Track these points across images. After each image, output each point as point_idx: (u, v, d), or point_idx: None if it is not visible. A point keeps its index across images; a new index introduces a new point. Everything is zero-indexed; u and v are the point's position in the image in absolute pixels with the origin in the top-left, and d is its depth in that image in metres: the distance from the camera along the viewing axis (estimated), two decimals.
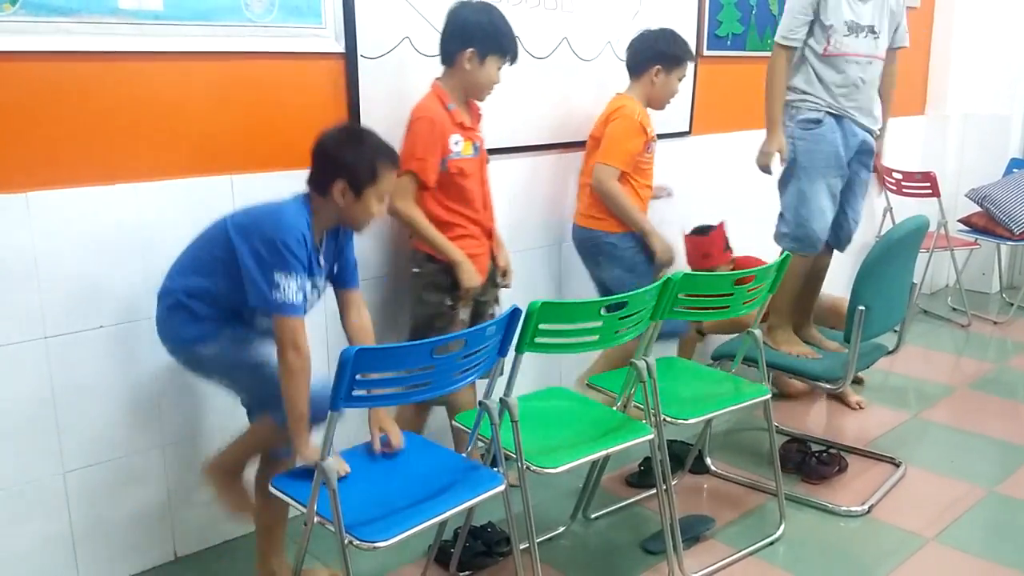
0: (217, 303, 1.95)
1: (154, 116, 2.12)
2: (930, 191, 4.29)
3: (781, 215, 2.94)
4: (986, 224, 4.52)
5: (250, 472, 2.11)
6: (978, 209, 4.56)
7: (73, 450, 2.12)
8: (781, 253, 2.81)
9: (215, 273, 1.93)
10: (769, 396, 2.50)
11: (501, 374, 1.92)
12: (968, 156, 4.88)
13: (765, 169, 2.92)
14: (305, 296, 1.90)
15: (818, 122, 2.81)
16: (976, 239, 4.57)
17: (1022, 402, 3.58)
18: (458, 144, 2.45)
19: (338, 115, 2.43)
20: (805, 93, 2.83)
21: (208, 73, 2.19)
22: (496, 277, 2.67)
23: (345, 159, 1.95)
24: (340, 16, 2.37)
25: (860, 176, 2.98)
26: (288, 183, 2.32)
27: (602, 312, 2.03)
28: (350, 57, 2.41)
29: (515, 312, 1.84)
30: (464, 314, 2.54)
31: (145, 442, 2.23)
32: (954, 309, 4.72)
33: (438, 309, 2.50)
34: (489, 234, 2.63)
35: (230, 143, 2.25)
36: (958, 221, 4.61)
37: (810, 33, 2.79)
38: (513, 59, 2.49)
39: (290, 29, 2.28)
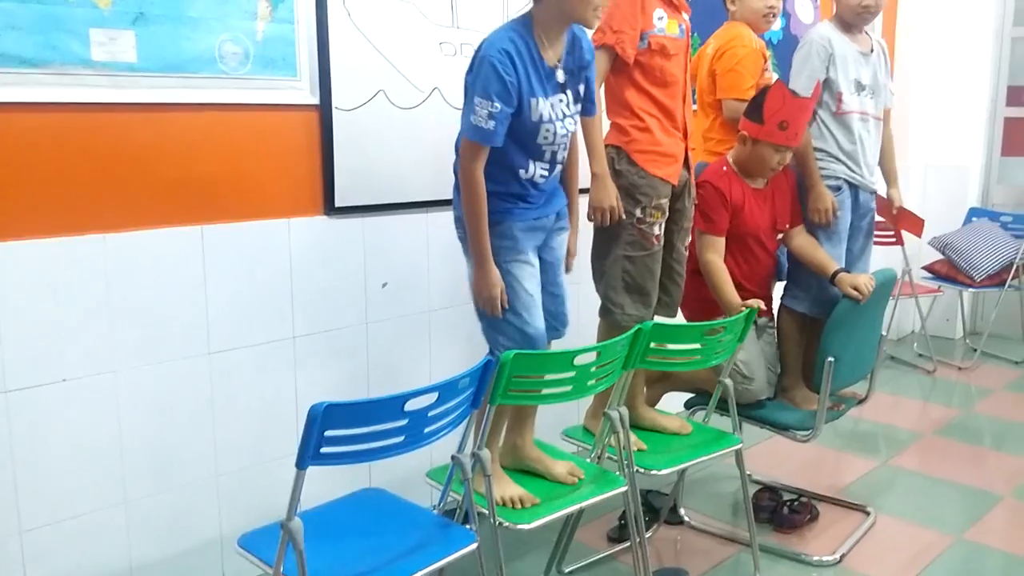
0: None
1: (124, 166, 2.11)
2: (895, 240, 4.38)
3: (796, 280, 2.87)
4: (948, 271, 4.62)
5: None
6: (941, 257, 4.66)
7: (32, 509, 2.05)
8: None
9: None
10: (741, 445, 2.51)
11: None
12: (930, 205, 4.99)
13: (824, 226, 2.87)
14: (500, 124, 1.99)
15: (838, 189, 2.85)
16: (939, 286, 4.66)
17: (987, 448, 3.63)
18: (662, 20, 2.31)
19: (311, 166, 2.43)
20: (825, 155, 2.84)
21: (181, 124, 2.18)
22: (690, 184, 2.53)
23: None
24: (315, 69, 2.38)
25: (859, 242, 3.01)
26: (260, 233, 2.34)
27: (575, 363, 2.03)
28: (324, 109, 2.42)
29: (488, 363, 1.83)
30: (659, 228, 2.42)
31: (108, 499, 2.17)
32: (920, 355, 4.80)
33: (627, 221, 2.37)
34: (685, 132, 2.46)
35: (201, 193, 2.24)
36: (922, 268, 4.70)
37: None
38: None
39: (265, 81, 2.29)
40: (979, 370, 4.61)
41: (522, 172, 2.12)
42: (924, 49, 4.87)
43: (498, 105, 1.97)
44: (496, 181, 2.09)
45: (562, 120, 2.13)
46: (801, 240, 2.81)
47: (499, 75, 1.97)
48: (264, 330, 2.38)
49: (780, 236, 2.80)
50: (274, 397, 2.43)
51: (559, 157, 2.18)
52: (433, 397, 1.69)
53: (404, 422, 1.65)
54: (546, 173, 2.16)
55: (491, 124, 1.97)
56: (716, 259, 2.62)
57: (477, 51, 2.05)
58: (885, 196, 3.27)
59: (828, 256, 2.75)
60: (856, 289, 2.57)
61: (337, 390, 2.53)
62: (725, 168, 2.67)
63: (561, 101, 2.12)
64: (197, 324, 2.25)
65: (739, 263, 2.70)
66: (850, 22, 2.85)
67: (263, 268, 2.36)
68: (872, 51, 2.90)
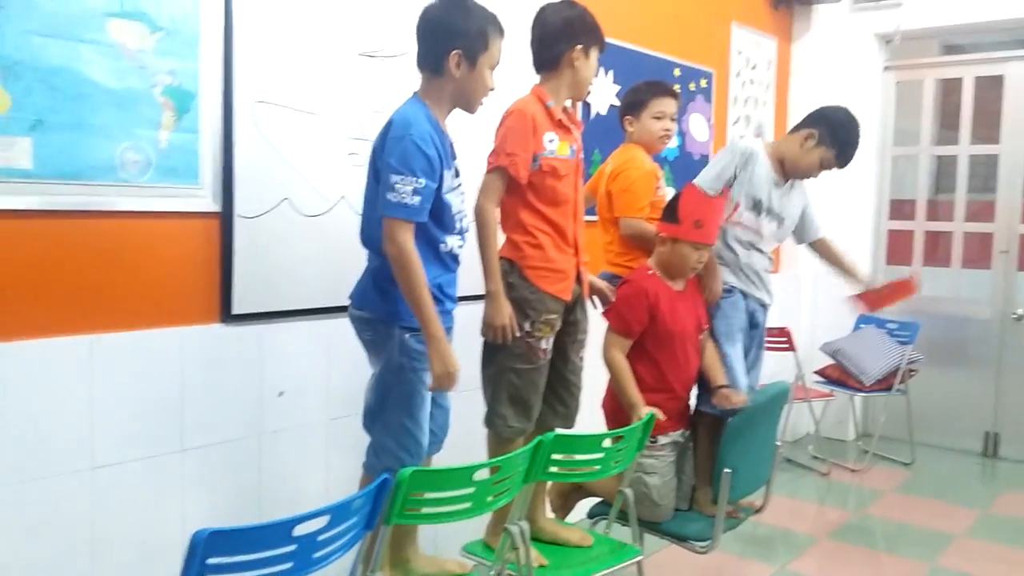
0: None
1: (9, 274, 2.03)
2: (787, 345, 4.55)
3: (707, 385, 2.92)
4: (840, 376, 4.80)
5: None
6: (832, 362, 4.86)
7: None
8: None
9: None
10: (641, 557, 2.51)
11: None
12: (820, 312, 5.23)
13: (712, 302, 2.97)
14: (425, 200, 2.03)
15: (730, 291, 2.97)
16: (831, 390, 4.84)
17: (880, 551, 3.73)
18: (553, 142, 2.40)
19: (209, 273, 2.40)
20: (718, 258, 2.95)
21: (75, 232, 2.13)
22: (583, 297, 2.59)
23: (456, 26, 2.04)
24: (219, 176, 2.38)
25: (751, 352, 3.11)
26: (152, 343, 2.27)
27: (473, 479, 2.02)
28: (226, 216, 2.41)
29: (384, 482, 1.80)
30: (547, 343, 2.46)
31: None
32: (815, 457, 4.93)
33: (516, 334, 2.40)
34: (577, 248, 2.52)
35: (94, 301, 2.18)
36: (814, 373, 4.88)
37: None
38: (602, 48, 2.53)
39: (165, 189, 2.27)
40: (871, 472, 4.76)
41: (442, 247, 2.19)
42: None
43: (423, 181, 2.03)
44: (423, 265, 2.11)
45: (456, 190, 2.23)
46: (709, 348, 2.89)
47: (423, 152, 2.04)
48: (152, 443, 2.29)
49: (700, 337, 2.87)
50: (160, 516, 2.32)
51: (466, 225, 2.30)
52: (324, 520, 1.65)
53: (293, 547, 1.60)
54: (462, 243, 2.26)
55: (416, 200, 2.02)
56: (620, 357, 2.67)
57: (387, 129, 2.10)
58: (866, 292, 3.38)
59: (720, 369, 2.85)
60: (727, 400, 2.70)
61: (227, 506, 2.44)
62: (650, 272, 2.75)
63: (453, 174, 2.22)
64: (81, 437, 2.15)
65: (670, 366, 2.73)
66: (789, 173, 3.02)
67: (153, 378, 2.29)
68: (791, 187, 3.06)
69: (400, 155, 2.03)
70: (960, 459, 5.02)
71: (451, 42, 2.11)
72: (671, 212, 2.71)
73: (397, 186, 2.01)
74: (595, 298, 2.76)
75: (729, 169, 2.97)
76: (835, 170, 3.03)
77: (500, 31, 2.20)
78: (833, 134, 2.96)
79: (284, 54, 2.51)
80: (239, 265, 2.44)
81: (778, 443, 2.92)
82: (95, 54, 2.11)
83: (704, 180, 2.96)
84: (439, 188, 2.12)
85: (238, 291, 2.45)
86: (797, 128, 3.04)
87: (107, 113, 2.14)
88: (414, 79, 2.25)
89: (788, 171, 3.03)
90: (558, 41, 2.43)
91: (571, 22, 2.44)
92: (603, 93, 3.67)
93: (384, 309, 2.16)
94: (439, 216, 2.16)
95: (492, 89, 2.24)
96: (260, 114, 2.46)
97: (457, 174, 2.26)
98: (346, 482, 2.58)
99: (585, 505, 2.86)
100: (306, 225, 2.61)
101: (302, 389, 2.62)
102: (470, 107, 2.25)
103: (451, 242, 2.22)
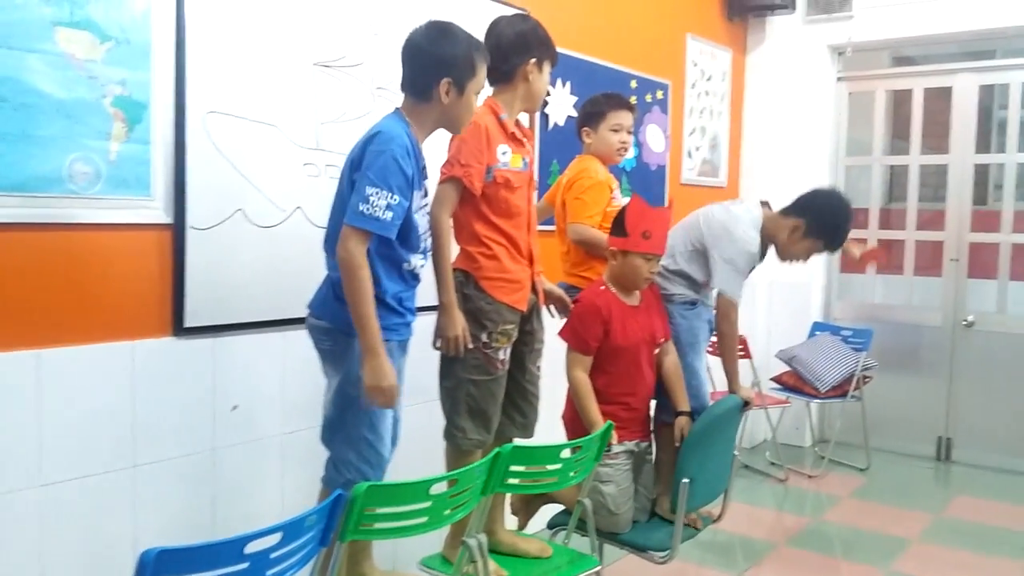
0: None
1: None
2: (743, 353, 4.60)
3: (663, 395, 2.95)
4: (795, 383, 4.87)
5: None
6: (788, 369, 4.93)
7: None
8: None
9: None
10: (600, 567, 2.51)
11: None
12: (775, 320, 5.30)
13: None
14: (397, 216, 2.02)
15: (694, 304, 2.98)
16: (788, 397, 4.90)
17: (838, 558, 3.79)
18: (506, 155, 2.42)
19: (161, 285, 2.36)
20: (684, 281, 2.96)
21: (21, 244, 2.08)
22: (539, 306, 2.61)
23: (445, 55, 2.03)
24: (171, 187, 2.35)
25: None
26: (102, 356, 2.23)
27: (430, 492, 2.00)
28: (178, 228, 2.37)
29: (339, 498, 1.78)
30: (504, 353, 2.46)
31: None
32: (772, 463, 4.99)
33: (473, 345, 2.41)
34: (531, 258, 2.54)
35: (41, 315, 2.13)
36: (770, 380, 4.94)
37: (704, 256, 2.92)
38: (555, 62, 2.57)
39: (115, 201, 2.23)
40: (827, 478, 4.82)
41: (405, 266, 2.20)
42: (768, 178, 5.26)
43: (397, 198, 2.04)
44: (385, 279, 2.13)
45: (423, 209, 2.25)
46: (669, 364, 2.89)
47: (402, 170, 2.04)
48: (103, 459, 2.24)
49: (656, 351, 2.89)
50: (111, 534, 2.27)
51: (429, 245, 2.31)
52: (277, 538, 1.62)
53: (245, 565, 1.57)
54: (423, 262, 2.27)
55: (388, 215, 2.02)
56: (582, 376, 2.68)
57: (369, 140, 2.09)
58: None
59: (684, 393, 2.86)
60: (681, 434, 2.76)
61: (180, 523, 2.39)
62: (603, 288, 2.75)
63: (423, 194, 2.24)
64: (28, 454, 2.10)
65: (623, 378, 2.74)
66: (781, 256, 3.05)
67: (103, 393, 2.24)
68: None
69: (379, 169, 2.03)
70: (914, 464, 5.11)
71: (440, 71, 2.12)
72: (619, 225, 2.72)
73: (372, 198, 2.01)
74: (551, 307, 2.77)
75: (747, 271, 2.95)
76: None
77: (485, 56, 2.23)
78: (820, 226, 2.94)
79: (237, 64, 2.49)
80: (191, 277, 2.41)
81: (736, 453, 2.96)
82: (42, 64, 2.07)
83: (737, 293, 2.89)
84: (408, 207, 2.13)
85: (190, 303, 2.41)
86: (787, 212, 3.00)
87: (55, 124, 2.10)
88: (369, 89, 2.24)
89: (780, 254, 3.05)
90: (512, 54, 2.45)
91: (525, 35, 2.47)
92: (561, 104, 3.69)
93: (345, 319, 2.14)
94: (406, 236, 2.17)
95: (475, 112, 2.29)
96: (213, 124, 2.43)
97: (426, 194, 2.27)
98: (302, 497, 2.55)
99: (545, 515, 2.86)
100: (260, 236, 2.58)
101: (256, 403, 2.58)
102: (455, 130, 2.29)
103: (415, 261, 2.24)
